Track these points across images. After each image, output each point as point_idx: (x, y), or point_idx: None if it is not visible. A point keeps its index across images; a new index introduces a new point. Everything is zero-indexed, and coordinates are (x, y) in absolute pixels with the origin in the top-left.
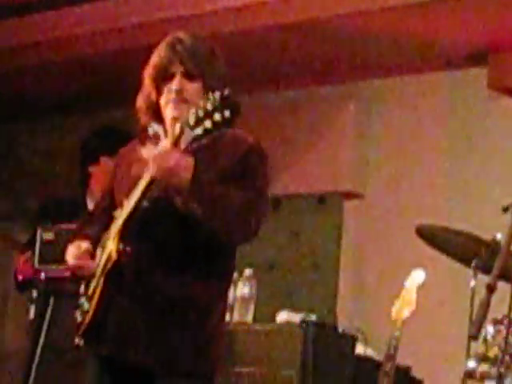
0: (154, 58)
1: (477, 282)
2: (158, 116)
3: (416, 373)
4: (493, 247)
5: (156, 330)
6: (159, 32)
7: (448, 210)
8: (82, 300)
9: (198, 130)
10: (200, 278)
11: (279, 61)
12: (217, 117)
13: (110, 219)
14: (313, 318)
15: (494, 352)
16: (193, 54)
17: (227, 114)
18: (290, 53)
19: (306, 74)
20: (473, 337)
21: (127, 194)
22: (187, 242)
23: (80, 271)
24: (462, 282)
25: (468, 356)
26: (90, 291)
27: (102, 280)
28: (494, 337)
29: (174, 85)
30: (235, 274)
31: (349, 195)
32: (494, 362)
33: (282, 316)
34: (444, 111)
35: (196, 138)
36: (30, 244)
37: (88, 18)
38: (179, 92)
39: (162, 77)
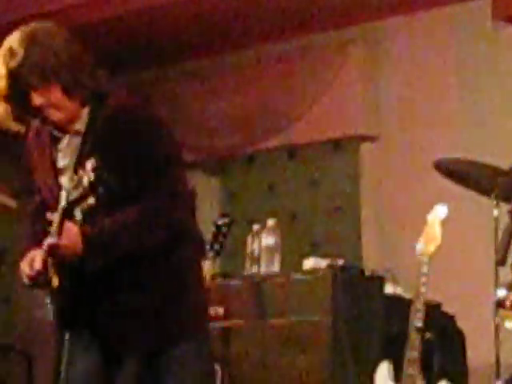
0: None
1: (499, 211)
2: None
3: (447, 308)
4: None
5: (140, 311)
6: None
7: (463, 142)
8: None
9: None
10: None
11: (283, 9)
12: (91, 200)
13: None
14: (340, 262)
15: None
16: (28, 67)
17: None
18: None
19: (311, 20)
20: (499, 263)
21: (52, 198)
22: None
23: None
24: (484, 213)
25: (497, 285)
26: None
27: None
28: None
29: (34, 103)
30: (258, 226)
31: (364, 138)
32: None
33: (309, 263)
34: (451, 46)
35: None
36: None
37: None
38: (41, 107)
39: (15, 93)
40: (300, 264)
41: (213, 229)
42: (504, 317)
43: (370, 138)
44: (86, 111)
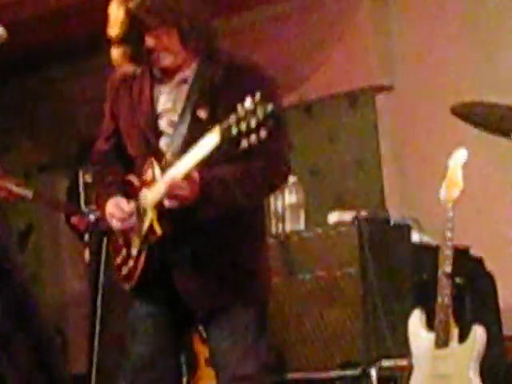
0: (113, 17)
1: None
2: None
3: (475, 251)
4: None
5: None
6: None
7: (479, 85)
8: (124, 252)
9: (244, 144)
10: (244, 241)
11: None
12: (263, 133)
13: (127, 159)
14: (364, 214)
15: None
16: (146, 7)
17: (271, 123)
18: None
19: None
20: None
21: (146, 145)
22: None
23: (123, 233)
24: (505, 156)
25: None
26: (134, 252)
27: (145, 246)
28: None
29: (146, 44)
30: None
31: (379, 89)
32: None
33: (334, 217)
34: None
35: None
36: (71, 190)
37: None
38: (154, 48)
39: (130, 34)
40: (325, 219)
41: None
42: None
43: (386, 88)
44: (196, 61)
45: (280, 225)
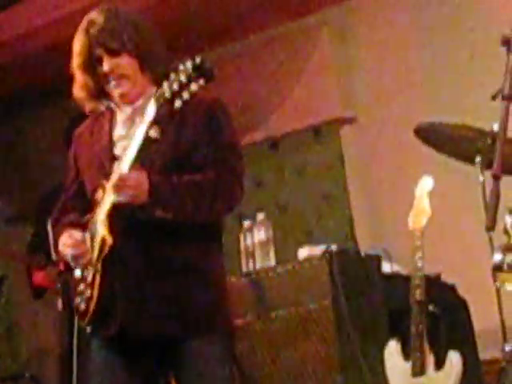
0: (75, 47)
1: (484, 176)
2: (103, 96)
3: (446, 278)
4: (493, 137)
5: (171, 298)
6: None
7: (441, 109)
8: (82, 287)
9: (177, 103)
10: (198, 241)
11: (246, 4)
12: (193, 87)
13: (87, 202)
14: (334, 247)
15: None
16: (108, 31)
17: (202, 82)
18: None
19: (274, 12)
20: (489, 228)
21: (100, 172)
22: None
23: (78, 260)
24: (471, 180)
25: (493, 249)
26: (90, 278)
27: (99, 266)
28: None
29: (105, 67)
30: (249, 222)
31: (343, 121)
32: None
33: (304, 252)
34: (416, 12)
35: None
36: (33, 243)
37: None
38: (112, 71)
39: (91, 62)
40: (295, 254)
41: None
42: (503, 280)
43: (349, 120)
44: (153, 90)
45: (251, 262)
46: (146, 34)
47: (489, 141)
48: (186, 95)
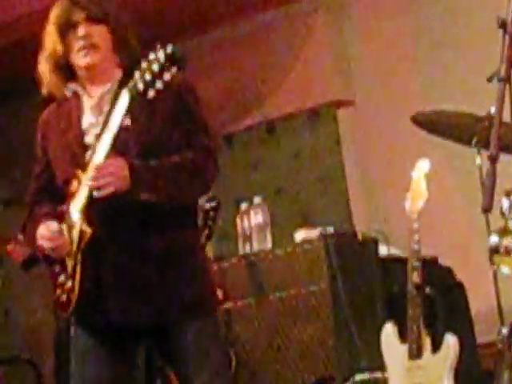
0: (55, 12)
1: (482, 159)
2: (68, 74)
3: (443, 261)
4: (490, 121)
5: (158, 285)
6: None
7: (438, 93)
8: (62, 278)
9: (151, 94)
10: (177, 226)
11: None
12: (166, 76)
13: (60, 191)
14: (330, 230)
15: None
16: (93, 0)
17: (175, 70)
18: None
19: None
20: (486, 210)
21: (72, 162)
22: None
23: (57, 252)
24: (468, 162)
25: (489, 232)
26: (70, 269)
27: (79, 256)
28: (510, 208)
29: (80, 31)
30: (246, 204)
31: (340, 104)
32: None
33: (300, 235)
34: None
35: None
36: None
37: None
38: (87, 37)
39: (66, 29)
40: (292, 237)
41: (200, 214)
42: (499, 262)
43: (346, 103)
44: (120, 74)
45: (247, 245)
46: (122, 18)
47: (486, 124)
48: (159, 85)
